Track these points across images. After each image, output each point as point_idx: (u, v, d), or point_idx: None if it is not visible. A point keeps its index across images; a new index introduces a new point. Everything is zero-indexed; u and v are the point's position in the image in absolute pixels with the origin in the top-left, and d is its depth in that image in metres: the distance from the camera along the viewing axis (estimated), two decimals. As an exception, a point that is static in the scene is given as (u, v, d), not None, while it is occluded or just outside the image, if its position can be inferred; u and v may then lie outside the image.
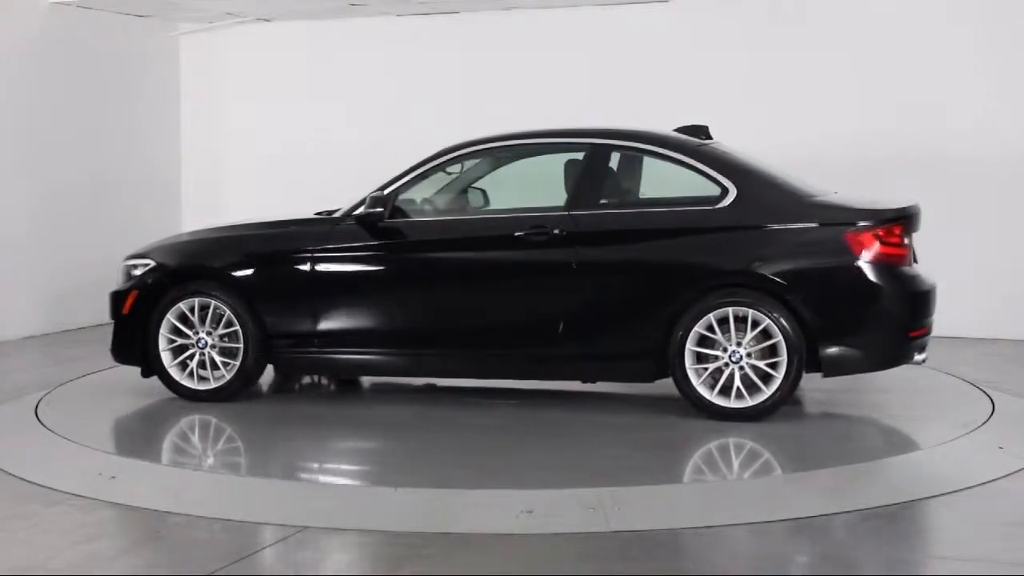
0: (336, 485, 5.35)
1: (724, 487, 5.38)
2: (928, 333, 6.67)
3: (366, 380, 7.73)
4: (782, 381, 6.33)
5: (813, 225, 6.47)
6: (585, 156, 6.89)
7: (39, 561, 4.47)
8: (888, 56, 9.78)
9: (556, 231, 6.64)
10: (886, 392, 7.17)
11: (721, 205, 6.54)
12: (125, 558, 4.48)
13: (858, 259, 6.33)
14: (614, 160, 6.95)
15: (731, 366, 6.38)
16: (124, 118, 11.15)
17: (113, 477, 5.53)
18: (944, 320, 9.34)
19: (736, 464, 5.80)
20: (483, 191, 7.41)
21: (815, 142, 9.85)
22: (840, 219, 6.43)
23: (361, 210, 6.90)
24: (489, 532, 4.80)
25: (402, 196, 7.00)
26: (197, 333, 7.06)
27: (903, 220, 6.52)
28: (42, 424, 6.57)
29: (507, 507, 5.01)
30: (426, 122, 10.41)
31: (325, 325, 6.94)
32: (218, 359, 7.06)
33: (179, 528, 4.84)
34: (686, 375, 6.45)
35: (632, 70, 10.41)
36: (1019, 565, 4.40)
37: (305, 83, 11.56)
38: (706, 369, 6.43)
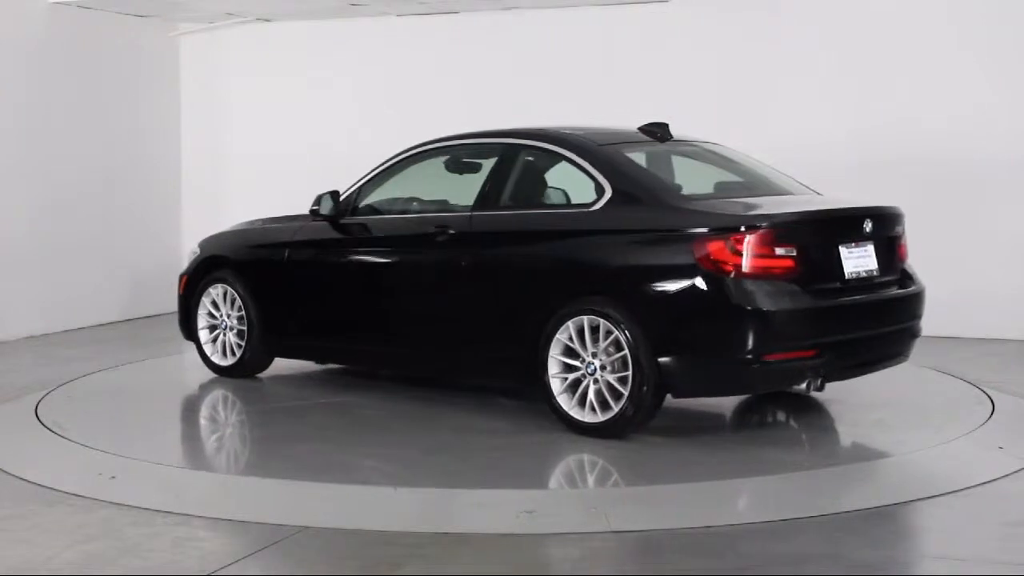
0: (336, 485, 5.34)
1: (724, 488, 5.37)
2: (813, 358, 5.88)
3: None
4: (627, 397, 5.92)
5: (669, 231, 5.97)
6: (498, 156, 6.88)
7: (39, 561, 4.47)
8: (889, 56, 9.78)
9: (452, 232, 6.69)
10: (886, 392, 7.16)
11: (594, 208, 6.28)
12: (125, 558, 4.48)
13: (701, 269, 5.78)
14: (521, 160, 6.80)
15: (587, 378, 6.09)
16: (124, 118, 11.15)
17: (113, 477, 5.53)
18: (944, 320, 9.41)
19: (734, 463, 5.79)
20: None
21: (815, 142, 9.85)
22: (696, 225, 5.90)
23: (310, 207, 7.38)
24: (489, 532, 4.80)
25: (376, 195, 7.34)
26: (223, 316, 7.80)
27: (774, 228, 5.81)
28: (42, 424, 6.57)
29: (507, 507, 5.02)
30: (426, 122, 10.40)
31: (295, 314, 7.54)
32: (234, 340, 7.77)
33: (179, 528, 4.84)
34: (547, 384, 6.21)
35: (632, 70, 10.42)
36: (1019, 565, 4.40)
37: (305, 83, 11.56)
38: (566, 379, 6.16)
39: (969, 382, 7.57)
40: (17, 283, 9.90)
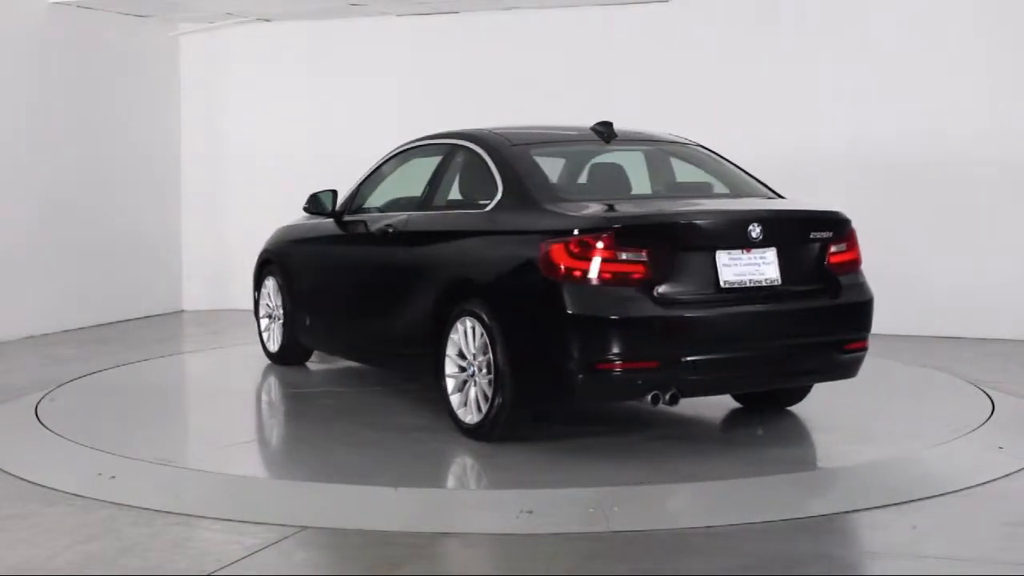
0: (336, 485, 5.34)
1: (723, 488, 5.37)
2: (655, 370, 5.52)
3: None
4: (491, 401, 5.85)
5: (525, 233, 5.86)
6: (440, 157, 6.94)
7: (39, 561, 4.47)
8: (890, 58, 9.78)
9: (391, 231, 6.85)
10: (885, 392, 7.17)
11: (487, 209, 6.24)
12: (125, 558, 4.48)
13: (541, 273, 5.61)
14: (454, 160, 6.81)
15: (470, 380, 6.07)
16: (124, 118, 11.15)
17: (113, 477, 5.53)
18: (944, 320, 9.43)
19: (733, 463, 5.79)
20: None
21: (815, 143, 9.86)
22: (543, 227, 5.75)
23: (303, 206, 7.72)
24: (489, 532, 4.81)
25: (376, 195, 7.52)
26: (273, 306, 8.24)
27: (616, 231, 5.54)
28: (42, 424, 6.57)
29: (507, 507, 5.02)
30: (426, 122, 10.39)
31: (304, 308, 7.87)
32: (278, 329, 8.23)
33: (179, 528, 4.84)
34: (440, 382, 6.21)
35: (632, 70, 10.42)
36: (1019, 565, 4.40)
37: (305, 83, 11.57)
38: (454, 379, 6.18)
39: (969, 382, 7.57)
40: (17, 283, 9.90)
